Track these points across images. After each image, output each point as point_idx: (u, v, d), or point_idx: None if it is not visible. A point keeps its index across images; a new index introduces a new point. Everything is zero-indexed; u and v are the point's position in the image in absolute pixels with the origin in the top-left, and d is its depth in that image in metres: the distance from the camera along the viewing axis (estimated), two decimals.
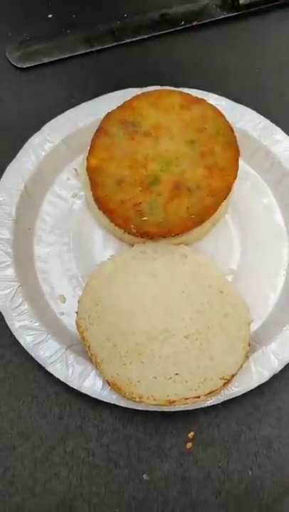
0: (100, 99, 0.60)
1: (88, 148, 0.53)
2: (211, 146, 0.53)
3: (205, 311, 0.50)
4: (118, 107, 0.54)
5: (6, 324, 0.51)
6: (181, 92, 0.56)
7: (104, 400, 0.49)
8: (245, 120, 0.60)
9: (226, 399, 0.49)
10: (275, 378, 0.50)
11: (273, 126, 0.60)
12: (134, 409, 0.49)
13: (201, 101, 0.55)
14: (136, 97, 0.55)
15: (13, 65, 0.68)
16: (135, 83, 0.60)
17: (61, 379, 0.49)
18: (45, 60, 0.68)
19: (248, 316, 0.50)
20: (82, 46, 0.69)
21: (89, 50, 0.69)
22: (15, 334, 0.51)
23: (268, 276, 0.57)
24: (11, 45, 0.69)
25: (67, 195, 0.60)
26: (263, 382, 0.50)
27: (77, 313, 0.50)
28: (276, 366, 0.50)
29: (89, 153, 0.53)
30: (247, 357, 0.49)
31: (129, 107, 0.54)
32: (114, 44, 0.69)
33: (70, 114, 0.59)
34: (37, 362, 0.50)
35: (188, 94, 0.55)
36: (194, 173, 0.52)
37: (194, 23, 0.70)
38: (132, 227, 0.51)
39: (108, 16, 0.71)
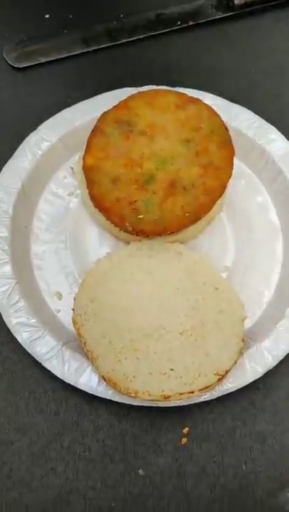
0: (96, 99, 0.60)
1: (84, 147, 0.54)
2: (206, 145, 0.53)
3: (200, 307, 0.50)
4: (114, 107, 0.55)
5: (3, 321, 0.52)
6: (176, 91, 0.56)
7: (100, 396, 0.49)
8: (240, 119, 0.60)
9: (220, 394, 0.49)
10: (270, 374, 0.51)
11: (268, 125, 0.60)
12: (130, 405, 0.49)
13: (197, 100, 0.55)
14: (131, 97, 0.55)
15: (10, 65, 0.68)
16: (131, 83, 0.61)
17: (57, 375, 0.50)
18: (42, 59, 0.68)
19: (243, 312, 0.51)
20: (79, 46, 0.69)
21: (85, 50, 0.69)
22: (12, 331, 0.51)
23: (263, 273, 0.57)
24: (8, 45, 0.69)
25: (64, 193, 0.60)
26: (257, 378, 0.50)
27: (73, 310, 0.51)
28: (270, 362, 0.50)
29: (85, 152, 0.53)
30: (241, 353, 0.49)
31: (124, 107, 0.54)
32: (111, 44, 0.69)
33: (66, 113, 0.60)
34: (34, 358, 0.50)
35: (184, 93, 0.56)
36: (189, 171, 0.52)
37: (190, 23, 0.71)
38: (127, 225, 0.51)
39: (105, 16, 0.71)
